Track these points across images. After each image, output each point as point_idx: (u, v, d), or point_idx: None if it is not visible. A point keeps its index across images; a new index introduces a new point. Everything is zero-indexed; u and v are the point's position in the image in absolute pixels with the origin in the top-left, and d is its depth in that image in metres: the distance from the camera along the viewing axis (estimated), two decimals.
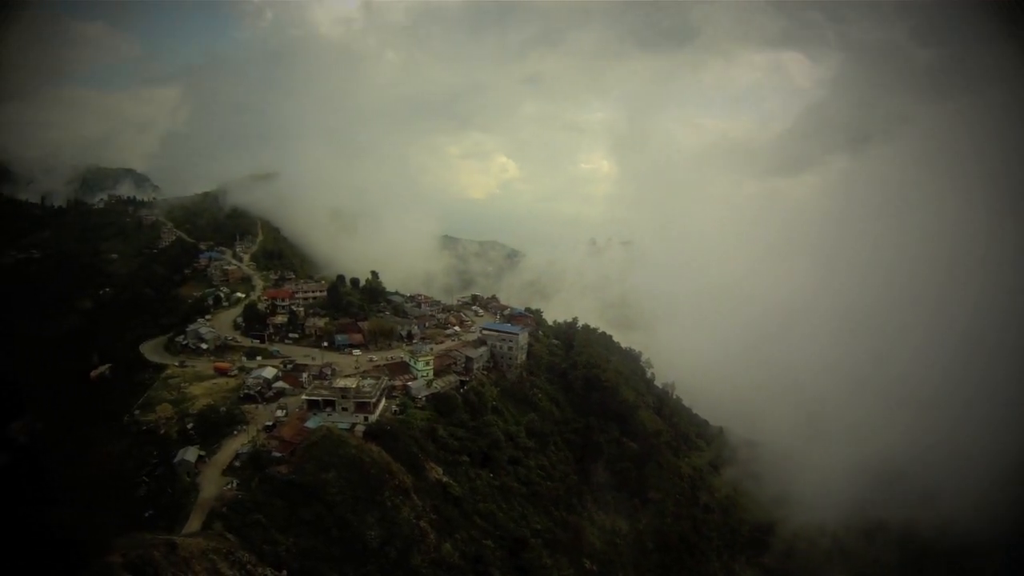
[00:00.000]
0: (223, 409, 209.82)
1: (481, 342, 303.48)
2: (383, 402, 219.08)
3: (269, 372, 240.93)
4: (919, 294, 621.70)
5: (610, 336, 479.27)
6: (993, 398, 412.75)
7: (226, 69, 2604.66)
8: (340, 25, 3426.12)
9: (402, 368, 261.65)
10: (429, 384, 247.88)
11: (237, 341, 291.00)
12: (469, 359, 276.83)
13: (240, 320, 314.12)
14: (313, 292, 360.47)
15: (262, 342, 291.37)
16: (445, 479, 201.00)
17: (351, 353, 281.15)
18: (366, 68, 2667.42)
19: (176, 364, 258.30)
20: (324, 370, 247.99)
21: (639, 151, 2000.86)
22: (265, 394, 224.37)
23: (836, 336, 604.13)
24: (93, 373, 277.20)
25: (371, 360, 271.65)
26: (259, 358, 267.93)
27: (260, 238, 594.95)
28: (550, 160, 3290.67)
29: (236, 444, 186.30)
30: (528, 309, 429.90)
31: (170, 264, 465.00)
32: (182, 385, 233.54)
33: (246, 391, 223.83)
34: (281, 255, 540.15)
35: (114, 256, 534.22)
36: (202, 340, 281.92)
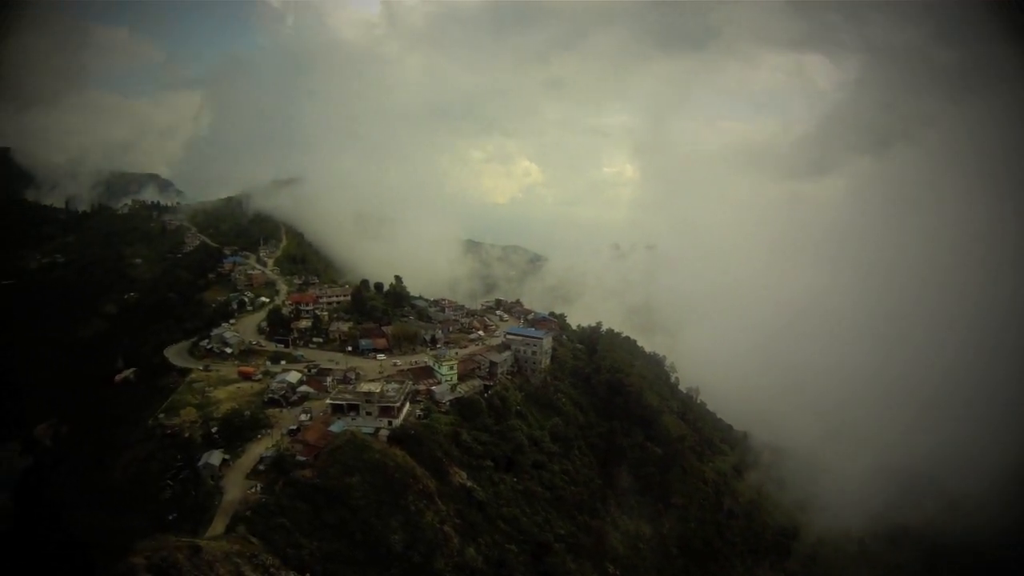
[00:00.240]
0: (247, 413, 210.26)
1: (505, 346, 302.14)
2: (407, 406, 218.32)
3: (293, 376, 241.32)
4: (944, 297, 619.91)
5: (634, 341, 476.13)
6: (1019, 403, 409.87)
7: (248, 74, 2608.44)
8: (361, 30, 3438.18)
9: (426, 372, 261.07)
10: (453, 388, 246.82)
11: (261, 345, 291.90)
12: (493, 363, 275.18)
13: (264, 324, 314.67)
14: (337, 297, 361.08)
15: (286, 346, 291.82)
16: (469, 483, 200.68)
17: (375, 357, 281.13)
18: (388, 72, 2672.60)
19: (200, 368, 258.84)
20: (348, 374, 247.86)
21: (661, 154, 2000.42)
22: (289, 398, 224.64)
23: (860, 340, 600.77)
24: (118, 377, 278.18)
25: (395, 364, 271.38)
26: (283, 362, 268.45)
27: (284, 243, 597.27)
28: (573, 164, 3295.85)
29: (260, 448, 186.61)
30: (552, 313, 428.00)
31: (194, 269, 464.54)
32: (206, 389, 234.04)
33: (270, 395, 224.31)
34: (305, 260, 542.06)
35: (138, 261, 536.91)
36: (226, 344, 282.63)
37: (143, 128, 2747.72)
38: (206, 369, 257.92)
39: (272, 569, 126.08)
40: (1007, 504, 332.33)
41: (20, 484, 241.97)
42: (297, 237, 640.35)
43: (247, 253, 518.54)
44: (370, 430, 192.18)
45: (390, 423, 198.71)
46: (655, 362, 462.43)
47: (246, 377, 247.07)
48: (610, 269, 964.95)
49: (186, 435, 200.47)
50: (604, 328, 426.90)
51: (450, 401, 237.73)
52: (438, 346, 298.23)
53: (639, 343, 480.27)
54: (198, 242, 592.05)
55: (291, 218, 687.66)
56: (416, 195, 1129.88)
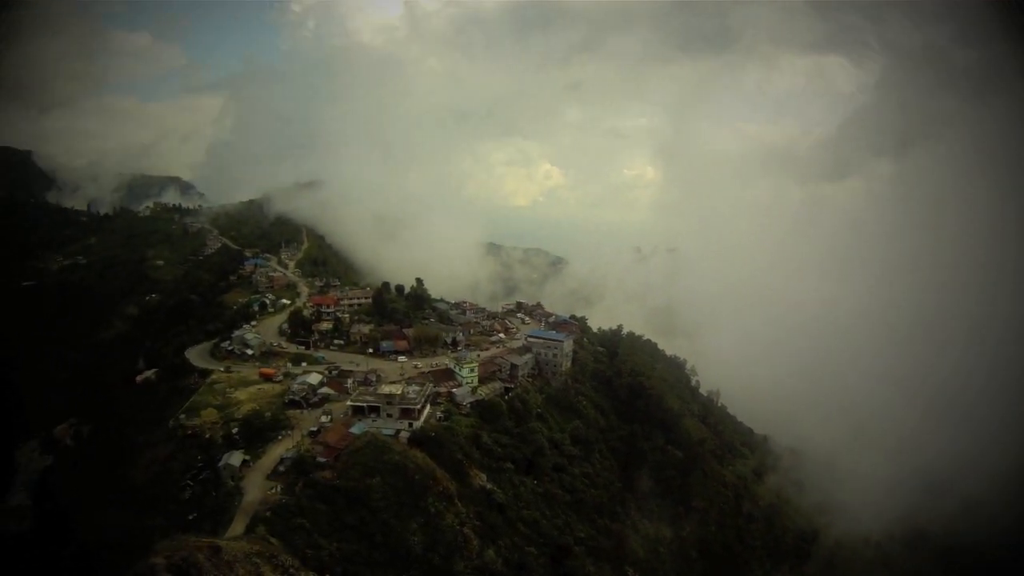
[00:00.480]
0: (268, 414, 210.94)
1: (526, 349, 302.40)
2: (428, 408, 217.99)
3: (314, 378, 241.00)
4: (965, 299, 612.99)
5: (655, 344, 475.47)
6: None
7: (269, 78, 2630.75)
8: (382, 33, 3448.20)
9: (447, 375, 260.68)
10: (474, 391, 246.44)
11: (282, 347, 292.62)
12: (514, 366, 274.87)
13: (285, 326, 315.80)
14: (358, 299, 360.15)
15: (307, 348, 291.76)
16: (489, 486, 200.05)
17: (396, 359, 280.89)
18: (409, 76, 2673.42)
19: (222, 369, 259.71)
20: (369, 376, 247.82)
21: (681, 157, 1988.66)
22: (310, 400, 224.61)
23: (881, 343, 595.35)
24: (138, 378, 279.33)
25: (416, 367, 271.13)
26: (304, 364, 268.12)
27: (305, 245, 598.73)
28: (594, 167, 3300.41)
29: (280, 449, 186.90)
30: (573, 316, 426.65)
31: (216, 271, 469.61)
32: (227, 390, 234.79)
33: (291, 397, 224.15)
34: (326, 262, 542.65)
35: (160, 262, 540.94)
36: (247, 346, 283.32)
37: (164, 131, 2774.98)
38: (227, 370, 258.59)
39: (292, 570, 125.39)
40: None
41: (40, 483, 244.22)
42: (318, 240, 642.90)
43: (268, 255, 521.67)
44: (391, 432, 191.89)
45: (411, 425, 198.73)
46: (676, 365, 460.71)
47: (267, 378, 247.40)
48: (631, 272, 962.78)
49: (207, 436, 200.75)
50: (625, 331, 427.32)
51: (471, 403, 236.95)
52: (459, 348, 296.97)
53: (660, 346, 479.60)
54: (219, 244, 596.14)
55: (312, 221, 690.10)
56: (437, 198, 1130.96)
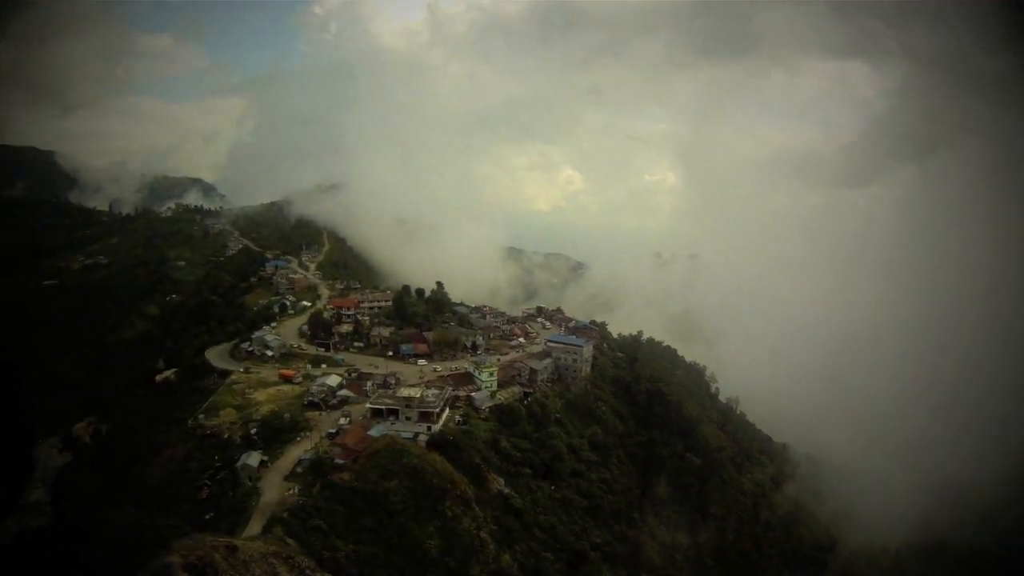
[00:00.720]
0: (287, 415, 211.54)
1: (546, 354, 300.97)
2: (446, 412, 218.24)
3: (333, 380, 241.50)
4: (987, 306, 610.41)
5: (674, 350, 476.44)
6: None
7: (291, 81, 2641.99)
8: (404, 37, 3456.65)
9: (466, 379, 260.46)
10: (493, 395, 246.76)
11: (302, 349, 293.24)
12: (533, 371, 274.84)
13: (305, 328, 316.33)
14: (378, 302, 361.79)
15: (327, 350, 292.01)
16: (507, 490, 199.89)
17: (416, 363, 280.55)
18: (430, 79, 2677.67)
19: (241, 370, 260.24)
20: (388, 379, 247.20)
21: (702, 162, 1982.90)
22: (329, 402, 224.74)
23: (903, 350, 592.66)
24: (158, 377, 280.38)
25: (435, 370, 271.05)
26: (324, 366, 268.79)
27: (326, 248, 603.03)
28: (615, 172, 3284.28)
29: (299, 450, 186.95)
30: (593, 321, 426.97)
31: (236, 272, 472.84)
32: (247, 391, 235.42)
33: (310, 398, 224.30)
34: (347, 265, 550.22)
35: (181, 263, 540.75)
36: (267, 347, 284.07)
37: (187, 133, 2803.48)
38: (246, 371, 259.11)
39: (307, 571, 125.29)
40: None
41: (58, 481, 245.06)
42: (339, 242, 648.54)
43: (289, 257, 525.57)
44: (409, 435, 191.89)
45: (429, 428, 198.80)
46: (695, 372, 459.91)
47: (286, 380, 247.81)
48: (651, 277, 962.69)
49: (225, 436, 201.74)
50: (645, 337, 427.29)
51: (490, 408, 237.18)
52: (479, 352, 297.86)
53: (680, 352, 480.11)
54: (241, 246, 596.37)
55: (333, 223, 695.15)
56: (458, 201, 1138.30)
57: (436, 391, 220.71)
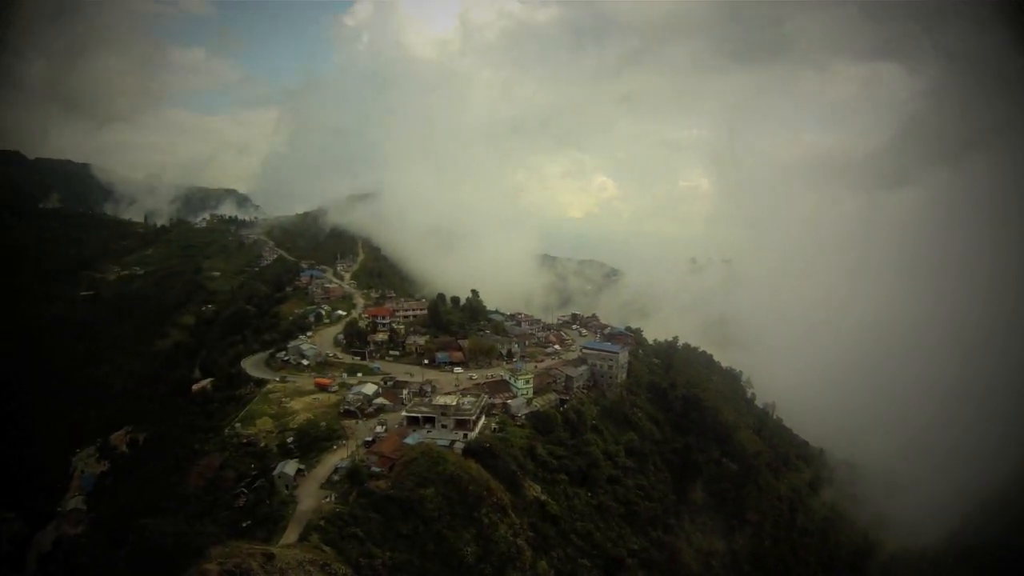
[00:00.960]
0: (323, 424, 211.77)
1: (581, 361, 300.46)
2: (483, 420, 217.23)
3: (369, 388, 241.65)
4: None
5: (710, 355, 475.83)
6: None
7: (324, 92, 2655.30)
8: (436, 47, 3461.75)
9: (502, 386, 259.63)
10: (529, 402, 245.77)
11: (338, 358, 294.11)
12: (569, 378, 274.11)
13: (341, 337, 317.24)
14: (414, 310, 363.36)
15: (363, 359, 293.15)
16: (543, 497, 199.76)
17: (451, 371, 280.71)
18: (463, 88, 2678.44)
19: (277, 379, 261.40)
20: (424, 387, 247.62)
21: (736, 167, 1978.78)
22: (365, 410, 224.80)
23: (940, 354, 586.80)
24: (195, 387, 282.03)
25: (471, 378, 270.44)
26: (360, 375, 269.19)
27: (361, 257, 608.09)
28: (648, 178, 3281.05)
29: (335, 458, 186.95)
30: (628, 328, 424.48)
31: (272, 282, 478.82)
32: (283, 400, 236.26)
33: (346, 407, 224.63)
34: (382, 274, 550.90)
35: (216, 274, 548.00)
36: (303, 356, 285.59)
37: (220, 145, 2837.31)
38: (283, 380, 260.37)
39: None
40: None
41: (95, 489, 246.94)
42: (374, 251, 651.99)
43: (324, 267, 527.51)
44: (445, 443, 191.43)
45: (465, 436, 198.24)
46: (731, 377, 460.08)
47: (322, 388, 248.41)
48: (686, 283, 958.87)
49: (262, 444, 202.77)
50: (680, 343, 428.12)
51: (526, 415, 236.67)
52: (514, 360, 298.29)
53: (716, 358, 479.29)
54: (275, 256, 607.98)
55: (368, 233, 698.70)
56: (492, 210, 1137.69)
57: (472, 399, 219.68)
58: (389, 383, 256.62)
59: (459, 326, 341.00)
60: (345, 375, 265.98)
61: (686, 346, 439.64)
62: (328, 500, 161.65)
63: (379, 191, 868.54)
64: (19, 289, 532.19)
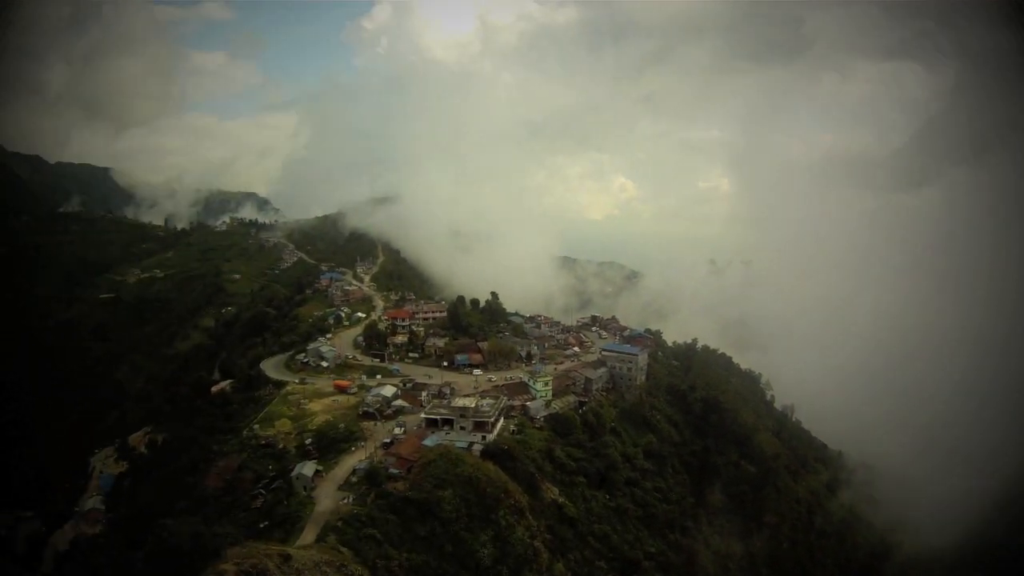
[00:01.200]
0: (341, 426, 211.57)
1: (600, 363, 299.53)
2: (501, 422, 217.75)
3: (388, 390, 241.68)
4: None
5: (729, 357, 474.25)
6: None
7: (343, 95, 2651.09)
8: (455, 49, 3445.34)
9: (521, 388, 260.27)
10: (547, 405, 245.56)
11: (357, 360, 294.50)
12: (588, 380, 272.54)
13: (360, 339, 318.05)
14: (433, 312, 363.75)
15: (382, 361, 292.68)
16: (561, 500, 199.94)
17: (471, 373, 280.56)
18: (482, 91, 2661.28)
19: (296, 381, 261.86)
20: (443, 389, 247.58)
21: (755, 168, 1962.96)
22: (384, 412, 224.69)
23: (960, 355, 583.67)
24: (214, 388, 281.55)
25: (490, 380, 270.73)
26: (379, 376, 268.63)
27: (380, 259, 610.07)
28: (667, 179, 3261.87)
29: (353, 460, 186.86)
30: (647, 330, 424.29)
31: (291, 284, 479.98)
32: (302, 401, 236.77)
33: (365, 408, 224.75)
34: (401, 276, 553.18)
35: (236, 276, 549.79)
36: (322, 358, 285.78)
37: (241, 148, 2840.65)
38: (302, 382, 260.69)
39: None
40: None
41: (113, 489, 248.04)
42: (394, 254, 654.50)
43: (344, 269, 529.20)
44: (464, 444, 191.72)
45: (484, 438, 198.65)
46: (751, 379, 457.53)
47: (341, 390, 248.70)
48: (706, 285, 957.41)
49: (280, 446, 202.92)
50: (699, 345, 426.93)
51: (544, 417, 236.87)
52: (533, 362, 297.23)
53: (735, 360, 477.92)
54: (295, 259, 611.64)
55: (387, 235, 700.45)
56: (512, 212, 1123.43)
57: (491, 401, 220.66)
58: (408, 385, 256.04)
59: (478, 328, 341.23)
60: (364, 377, 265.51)
61: (705, 348, 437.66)
62: (346, 501, 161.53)
63: (399, 194, 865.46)
64: (40, 292, 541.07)
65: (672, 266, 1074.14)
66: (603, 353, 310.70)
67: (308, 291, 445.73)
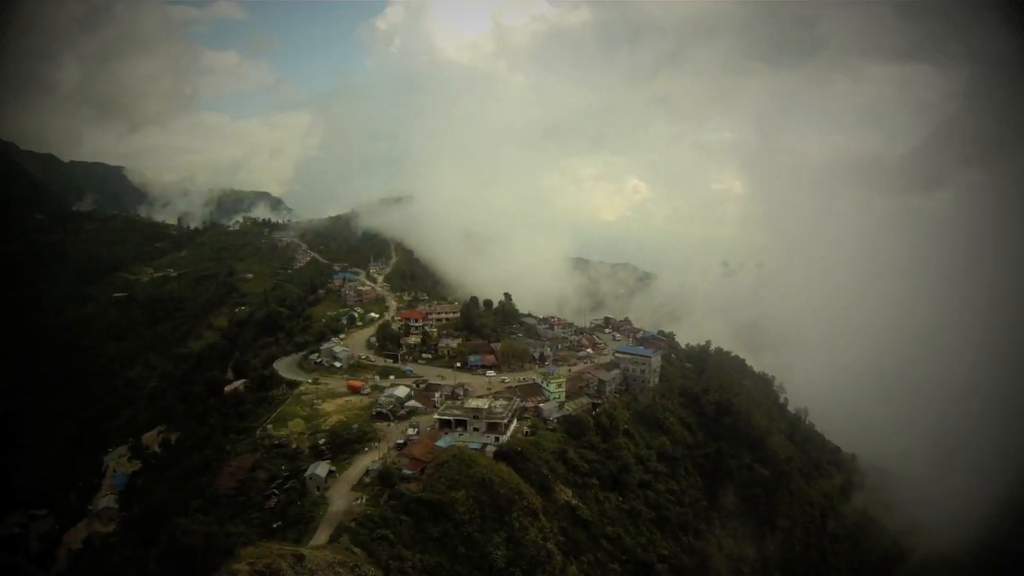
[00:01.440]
0: (355, 426, 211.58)
1: (614, 365, 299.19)
2: (514, 423, 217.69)
3: (401, 391, 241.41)
4: None
5: (743, 360, 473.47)
6: None
7: (356, 95, 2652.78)
8: (468, 50, 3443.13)
9: (534, 390, 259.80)
10: (561, 406, 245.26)
11: (370, 360, 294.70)
12: (601, 382, 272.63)
13: (374, 340, 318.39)
14: (446, 313, 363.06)
15: (395, 362, 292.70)
16: (574, 501, 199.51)
17: (484, 374, 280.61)
18: (496, 92, 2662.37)
19: (310, 381, 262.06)
20: (456, 390, 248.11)
21: (768, 170, 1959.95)
22: (397, 412, 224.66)
23: (974, 358, 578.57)
24: (227, 388, 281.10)
25: (503, 381, 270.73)
26: (392, 377, 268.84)
27: (394, 260, 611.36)
28: (681, 181, 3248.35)
29: (366, 461, 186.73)
30: (661, 332, 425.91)
31: (304, 284, 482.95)
32: (315, 402, 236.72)
33: (378, 409, 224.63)
34: (415, 277, 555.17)
35: (249, 276, 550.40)
36: (336, 358, 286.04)
37: (253, 148, 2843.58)
38: (315, 382, 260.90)
39: None
40: None
41: (127, 488, 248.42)
42: (407, 254, 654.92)
43: (357, 270, 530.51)
44: (477, 446, 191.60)
45: (497, 439, 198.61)
46: (764, 381, 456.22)
47: (354, 391, 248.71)
48: (719, 287, 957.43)
49: (293, 446, 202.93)
50: (713, 347, 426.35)
51: (558, 419, 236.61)
52: (547, 363, 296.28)
53: (748, 362, 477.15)
54: (308, 258, 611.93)
55: (400, 236, 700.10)
56: (525, 213, 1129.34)
57: (504, 402, 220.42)
58: (421, 386, 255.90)
59: (492, 329, 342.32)
60: (377, 377, 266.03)
61: (718, 350, 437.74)
62: (359, 502, 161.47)
63: (412, 194, 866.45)
64: (53, 291, 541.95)
65: (685, 268, 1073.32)
66: (616, 355, 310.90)
67: (321, 291, 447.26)
